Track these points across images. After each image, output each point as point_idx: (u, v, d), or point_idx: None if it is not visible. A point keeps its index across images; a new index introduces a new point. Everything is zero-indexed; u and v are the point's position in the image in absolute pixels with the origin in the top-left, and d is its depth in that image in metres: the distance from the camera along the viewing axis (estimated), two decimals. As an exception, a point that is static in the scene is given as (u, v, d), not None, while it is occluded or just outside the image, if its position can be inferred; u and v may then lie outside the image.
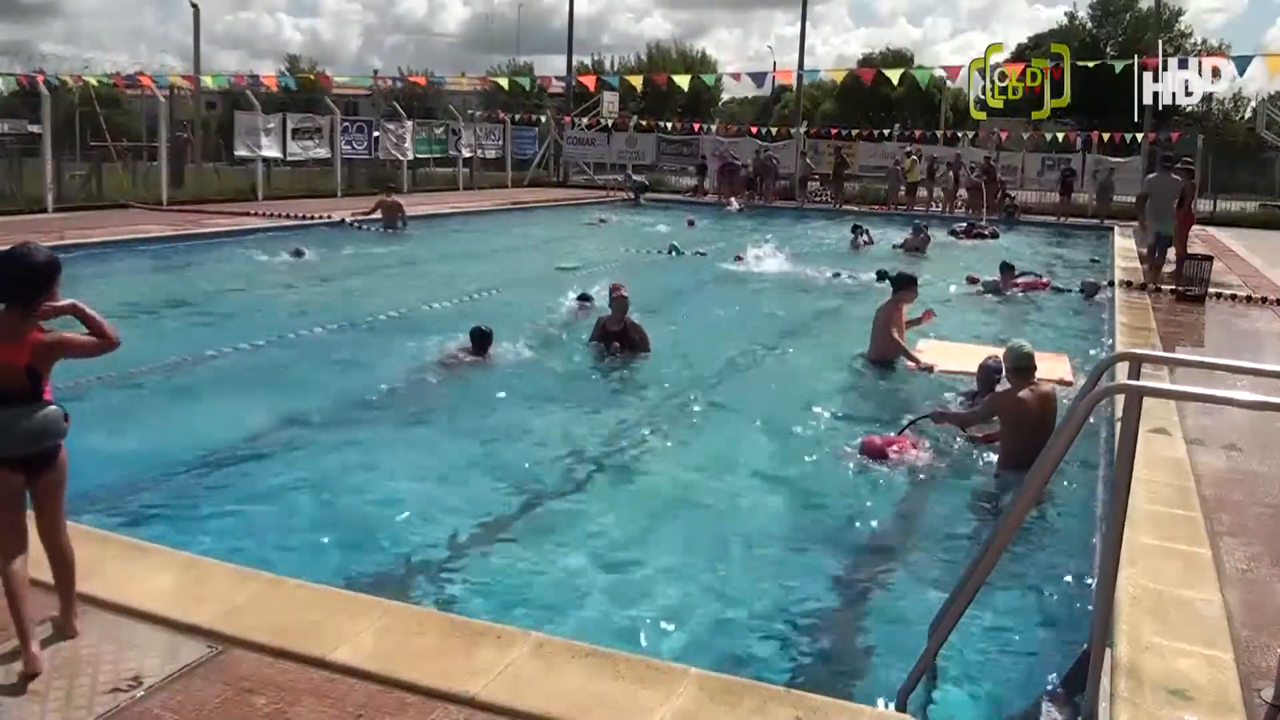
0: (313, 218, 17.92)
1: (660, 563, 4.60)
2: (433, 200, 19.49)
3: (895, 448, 6.00)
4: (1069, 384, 7.89)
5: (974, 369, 8.20)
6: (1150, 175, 13.81)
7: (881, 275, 12.78)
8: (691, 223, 22.21)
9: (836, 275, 14.14)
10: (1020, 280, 13.53)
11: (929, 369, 8.22)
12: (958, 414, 6.50)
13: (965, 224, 22.00)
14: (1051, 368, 8.44)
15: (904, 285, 8.79)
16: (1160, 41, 23.39)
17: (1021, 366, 6.00)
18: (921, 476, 5.78)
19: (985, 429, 6.30)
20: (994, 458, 6.07)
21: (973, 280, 13.82)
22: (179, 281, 12.40)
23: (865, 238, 18.63)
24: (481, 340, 8.21)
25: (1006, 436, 5.93)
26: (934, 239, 18.40)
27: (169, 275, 12.84)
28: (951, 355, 8.68)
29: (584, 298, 10.50)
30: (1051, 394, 6.04)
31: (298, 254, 14.09)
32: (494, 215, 22.35)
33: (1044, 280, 13.94)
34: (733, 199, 26.48)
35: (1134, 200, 17.52)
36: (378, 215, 18.04)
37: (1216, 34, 68.40)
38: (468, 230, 19.27)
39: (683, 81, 25.19)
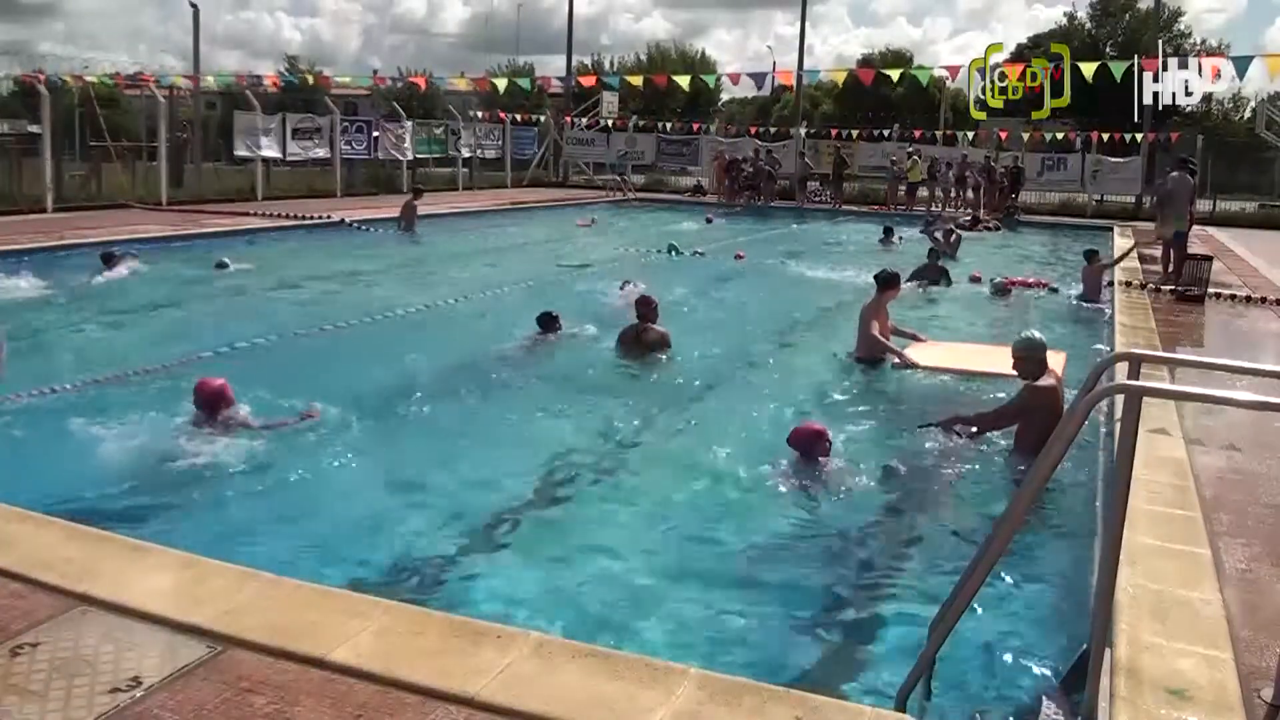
0: (312, 217, 17.94)
1: (659, 562, 4.60)
2: (432, 200, 19.56)
3: (827, 443, 5.70)
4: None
5: (963, 367, 8.27)
6: (1173, 174, 13.88)
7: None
8: (710, 220, 22.74)
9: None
10: (1018, 280, 13.60)
11: (913, 366, 8.23)
12: (981, 416, 6.29)
13: (971, 217, 22.96)
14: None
15: (888, 283, 8.81)
16: (1160, 42, 23.34)
17: (1043, 356, 6.05)
18: (921, 476, 5.77)
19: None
20: (984, 451, 6.08)
21: (975, 280, 13.87)
22: (168, 280, 12.27)
23: (896, 237, 19.11)
24: (550, 322, 9.02)
25: (1033, 426, 5.75)
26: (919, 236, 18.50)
27: (159, 274, 12.63)
28: (942, 354, 8.70)
29: (640, 299, 10.86)
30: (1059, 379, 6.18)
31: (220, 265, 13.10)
32: (493, 215, 22.35)
33: (1043, 280, 13.99)
34: (731, 200, 26.52)
35: (1138, 200, 17.81)
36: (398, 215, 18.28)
37: (1216, 34, 68.30)
38: (466, 230, 19.29)
39: (683, 81, 25.22)
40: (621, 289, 11.35)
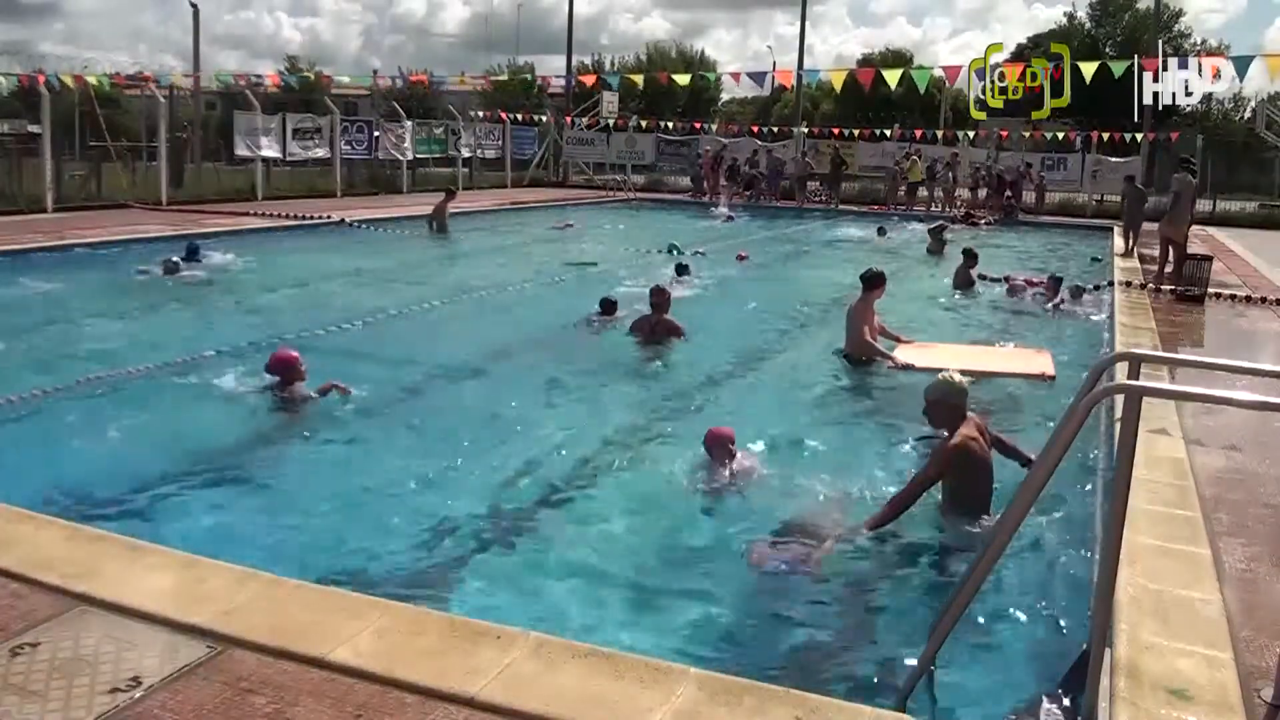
0: (312, 218, 17.94)
1: (660, 562, 4.60)
2: (433, 200, 19.59)
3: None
4: (1050, 378, 7.95)
5: (952, 367, 8.25)
6: (1176, 175, 13.88)
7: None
8: (730, 218, 23.25)
9: None
10: (1024, 280, 13.61)
11: (907, 367, 8.24)
12: (897, 499, 4.95)
13: (964, 212, 24.07)
14: (1032, 362, 8.49)
15: (873, 283, 8.81)
16: (1160, 42, 23.34)
17: (958, 403, 5.07)
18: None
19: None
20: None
21: (981, 279, 13.88)
22: (163, 282, 12.19)
23: (889, 234, 20.51)
24: (610, 307, 9.80)
25: (955, 483, 4.93)
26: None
27: (155, 275, 12.43)
28: (929, 355, 8.72)
29: (681, 269, 12.85)
30: (980, 424, 5.16)
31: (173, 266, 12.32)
32: (493, 215, 22.35)
33: (1039, 280, 14.00)
34: (722, 201, 26.52)
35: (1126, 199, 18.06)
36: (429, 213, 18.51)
37: (1215, 34, 68.23)
38: (471, 229, 19.30)
39: (683, 80, 25.25)
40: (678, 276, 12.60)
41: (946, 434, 5.06)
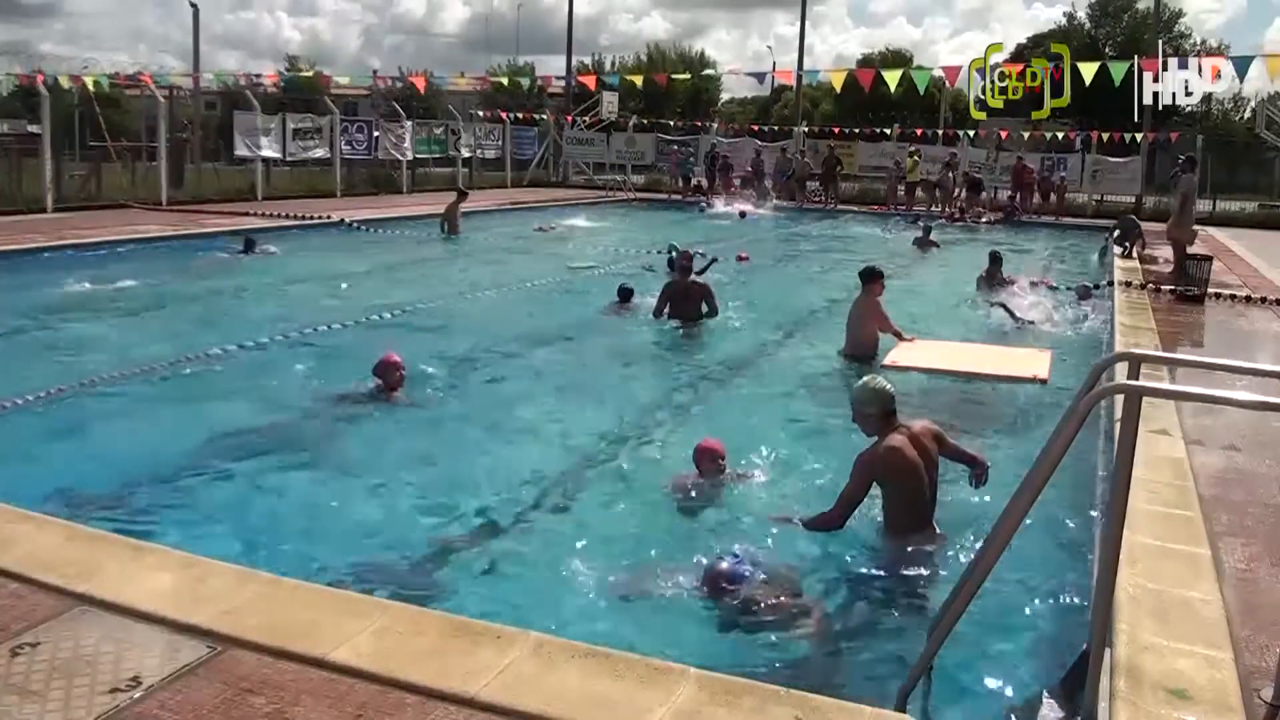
0: (312, 218, 17.93)
1: (656, 560, 4.60)
2: (433, 200, 19.57)
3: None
4: (1042, 380, 7.95)
5: (949, 367, 8.27)
6: (1185, 175, 13.88)
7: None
8: (743, 215, 23.59)
9: None
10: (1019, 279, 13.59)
11: (892, 365, 8.22)
12: (827, 517, 4.77)
13: (960, 209, 24.68)
14: (1027, 364, 8.48)
15: (872, 277, 8.86)
16: (1160, 42, 23.32)
17: (878, 411, 4.79)
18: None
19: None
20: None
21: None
22: (174, 281, 12.24)
23: (891, 231, 21.19)
24: (627, 294, 10.32)
25: (890, 498, 4.74)
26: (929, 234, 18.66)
27: (166, 275, 12.56)
28: (928, 354, 8.73)
29: (679, 254, 13.40)
30: (924, 431, 4.83)
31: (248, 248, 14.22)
32: (498, 215, 22.33)
33: (1042, 281, 14.00)
34: (720, 202, 26.50)
35: (1138, 199, 18.06)
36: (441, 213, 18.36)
37: (1215, 35, 68.19)
38: (478, 229, 19.28)
39: (683, 79, 25.31)
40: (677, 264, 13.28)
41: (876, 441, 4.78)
